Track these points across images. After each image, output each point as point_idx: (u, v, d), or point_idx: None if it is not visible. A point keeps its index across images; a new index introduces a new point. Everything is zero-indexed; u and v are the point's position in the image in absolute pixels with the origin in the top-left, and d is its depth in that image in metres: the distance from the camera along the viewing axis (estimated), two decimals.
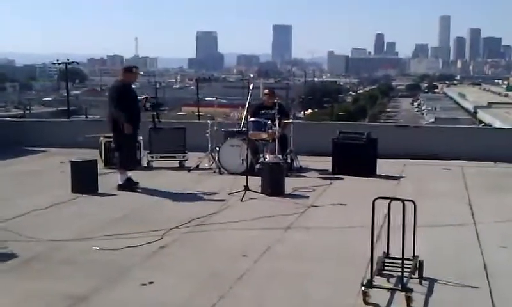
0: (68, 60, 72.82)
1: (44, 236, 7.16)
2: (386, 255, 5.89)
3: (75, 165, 9.87)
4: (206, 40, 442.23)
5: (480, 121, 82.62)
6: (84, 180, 9.78)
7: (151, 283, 5.67)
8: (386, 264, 5.86)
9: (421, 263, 5.81)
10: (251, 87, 12.97)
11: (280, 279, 5.88)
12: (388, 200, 5.52)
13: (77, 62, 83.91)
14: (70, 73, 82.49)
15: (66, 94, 71.26)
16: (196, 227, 7.72)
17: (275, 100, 11.96)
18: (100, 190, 9.85)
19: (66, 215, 8.38)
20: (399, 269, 5.45)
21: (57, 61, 74.70)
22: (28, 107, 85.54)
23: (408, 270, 5.46)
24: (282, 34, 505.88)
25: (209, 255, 6.64)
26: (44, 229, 7.57)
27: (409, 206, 5.25)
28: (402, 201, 5.23)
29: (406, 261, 5.29)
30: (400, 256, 5.43)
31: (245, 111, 12.18)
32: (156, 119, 11.19)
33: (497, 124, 67.63)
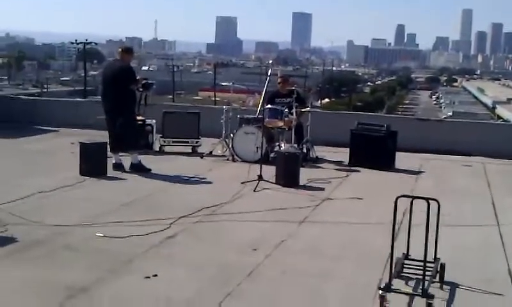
0: (86, 40, 72.84)
1: (47, 221, 6.87)
2: (406, 256, 5.54)
3: (84, 147, 9.59)
4: (225, 25, 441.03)
5: (499, 117, 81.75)
6: (93, 162, 9.49)
7: (155, 275, 5.35)
8: (405, 266, 5.51)
9: (442, 266, 5.45)
10: (269, 73, 12.57)
11: (292, 277, 5.54)
12: (408, 197, 5.18)
13: (96, 43, 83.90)
14: (88, 53, 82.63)
15: (83, 75, 71.18)
16: (206, 216, 7.40)
17: (292, 88, 11.62)
18: (109, 174, 9.56)
19: (72, 199, 8.08)
20: (419, 272, 5.11)
21: (76, 40, 74.74)
22: (45, 86, 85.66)
23: (429, 273, 5.11)
24: (302, 22, 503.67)
25: (218, 247, 6.32)
26: (48, 212, 7.28)
27: (427, 204, 4.87)
28: (427, 199, 4.87)
29: (427, 265, 4.94)
30: (420, 257, 5.09)
31: (261, 98, 11.82)
32: (143, 102, 11.05)
33: None
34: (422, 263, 5.04)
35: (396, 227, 4.95)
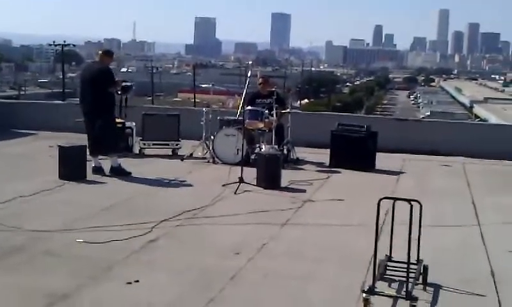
0: (64, 42, 72.30)
1: (27, 226, 6.77)
2: (389, 258, 5.53)
3: (63, 150, 9.48)
4: (204, 26, 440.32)
5: (476, 116, 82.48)
6: (72, 166, 9.38)
7: (136, 281, 5.29)
8: (388, 268, 5.50)
9: (425, 268, 5.44)
10: (248, 74, 12.53)
11: (275, 281, 5.51)
12: (390, 198, 5.19)
13: (74, 45, 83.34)
14: (66, 55, 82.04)
15: (62, 77, 70.62)
16: (187, 220, 7.34)
17: (272, 89, 11.60)
18: (88, 177, 9.47)
19: (52, 203, 7.98)
20: (402, 274, 5.10)
21: (54, 42, 74.13)
22: (23, 88, 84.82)
23: (412, 275, 5.10)
24: (281, 22, 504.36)
25: (200, 251, 6.27)
26: (27, 217, 7.18)
27: (407, 205, 4.87)
28: (409, 201, 4.87)
29: (410, 266, 4.93)
30: (403, 259, 5.10)
31: (241, 99, 11.77)
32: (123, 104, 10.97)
33: (493, 119, 67.43)
34: (405, 265, 5.04)
35: (378, 228, 4.94)
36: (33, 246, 6.17)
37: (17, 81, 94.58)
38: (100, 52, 10.25)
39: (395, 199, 5.21)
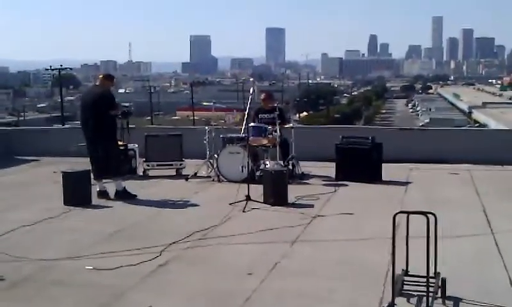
0: (61, 66, 72.40)
1: (34, 255, 6.65)
2: (406, 272, 5.41)
3: (66, 176, 9.39)
4: (200, 44, 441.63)
5: (476, 121, 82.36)
6: (76, 191, 9.28)
7: None
8: (405, 282, 5.38)
9: (444, 281, 5.33)
10: (250, 91, 12.44)
11: (290, 302, 5.39)
12: (405, 212, 5.08)
13: (70, 68, 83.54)
14: (63, 79, 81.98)
15: (60, 101, 70.63)
16: (197, 241, 7.23)
17: (274, 104, 11.53)
18: (93, 202, 9.36)
19: (58, 231, 7.85)
20: (421, 288, 5.00)
21: (50, 67, 74.22)
22: (22, 114, 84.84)
23: (431, 289, 4.99)
24: (275, 37, 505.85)
25: (212, 274, 6.15)
26: (34, 246, 7.07)
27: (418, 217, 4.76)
28: (425, 214, 4.77)
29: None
30: (420, 273, 4.99)
31: (244, 116, 11.68)
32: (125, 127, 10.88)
33: (492, 124, 67.30)
34: (422, 279, 4.93)
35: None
36: (41, 276, 6.07)
37: (16, 107, 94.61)
38: (101, 76, 10.18)
39: (410, 212, 5.11)
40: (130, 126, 11.97)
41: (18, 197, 10.11)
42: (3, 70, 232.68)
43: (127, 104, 11.25)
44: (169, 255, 6.66)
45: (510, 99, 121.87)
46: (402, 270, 5.42)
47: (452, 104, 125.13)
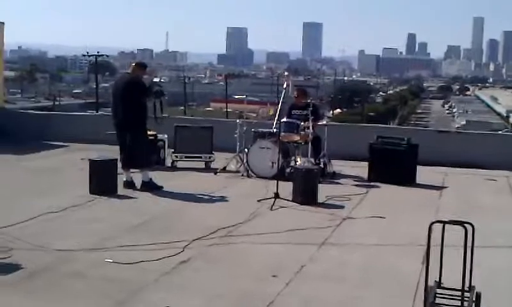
0: (98, 53, 72.87)
1: (54, 245, 6.49)
2: (439, 285, 5.11)
3: (93, 164, 9.24)
4: (236, 36, 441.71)
5: None
6: (103, 180, 9.12)
7: None
8: (437, 295, 5.08)
9: (478, 295, 5.01)
10: (284, 85, 12.18)
11: None
12: (441, 222, 4.77)
13: (107, 55, 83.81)
14: (100, 65, 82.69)
15: (95, 87, 71.12)
16: (222, 238, 7.01)
17: (308, 100, 11.27)
18: (119, 192, 9.20)
19: (81, 220, 7.69)
20: (454, 303, 4.70)
21: (88, 53, 74.71)
22: (58, 99, 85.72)
23: (466, 304, 4.68)
24: (313, 31, 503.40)
25: (235, 274, 5.92)
26: (55, 236, 6.90)
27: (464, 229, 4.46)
28: (462, 224, 4.47)
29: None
30: (451, 285, 4.70)
31: (277, 110, 11.43)
32: (158, 113, 10.13)
33: None
34: (455, 292, 4.65)
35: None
36: (59, 267, 5.90)
37: (52, 92, 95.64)
38: (134, 64, 10.02)
39: (446, 222, 4.79)
40: (163, 115, 11.66)
41: (44, 184, 9.99)
42: (41, 55, 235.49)
43: (159, 82, 10.94)
44: (192, 252, 6.45)
45: None
46: (435, 281, 5.11)
47: (490, 107, 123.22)
